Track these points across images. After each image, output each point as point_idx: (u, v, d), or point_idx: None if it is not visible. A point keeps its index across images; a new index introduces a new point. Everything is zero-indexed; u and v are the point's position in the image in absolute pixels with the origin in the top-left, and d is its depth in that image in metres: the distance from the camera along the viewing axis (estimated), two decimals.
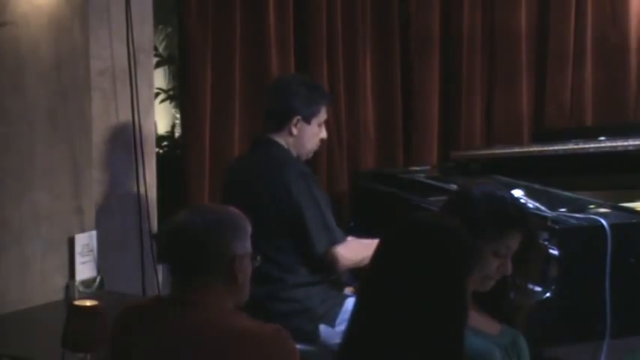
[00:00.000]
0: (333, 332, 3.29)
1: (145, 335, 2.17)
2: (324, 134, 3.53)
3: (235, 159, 3.82)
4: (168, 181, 4.35)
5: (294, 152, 3.46)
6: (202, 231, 2.16)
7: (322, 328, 3.31)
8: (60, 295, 3.61)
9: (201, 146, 4.32)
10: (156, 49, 4.69)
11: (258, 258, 2.26)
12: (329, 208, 3.37)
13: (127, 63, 3.92)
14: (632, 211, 3.46)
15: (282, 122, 3.42)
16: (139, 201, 4.03)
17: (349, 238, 3.47)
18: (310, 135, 3.46)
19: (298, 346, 2.29)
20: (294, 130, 3.42)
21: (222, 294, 2.16)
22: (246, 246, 2.20)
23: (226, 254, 2.15)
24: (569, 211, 3.30)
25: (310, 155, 3.58)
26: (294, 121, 3.41)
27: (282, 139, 3.44)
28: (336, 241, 3.31)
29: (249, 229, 2.23)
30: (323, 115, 3.49)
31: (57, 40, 3.58)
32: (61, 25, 3.60)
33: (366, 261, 3.28)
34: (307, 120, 3.43)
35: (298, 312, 3.27)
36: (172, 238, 2.22)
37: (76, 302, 2.71)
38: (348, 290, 3.51)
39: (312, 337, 3.30)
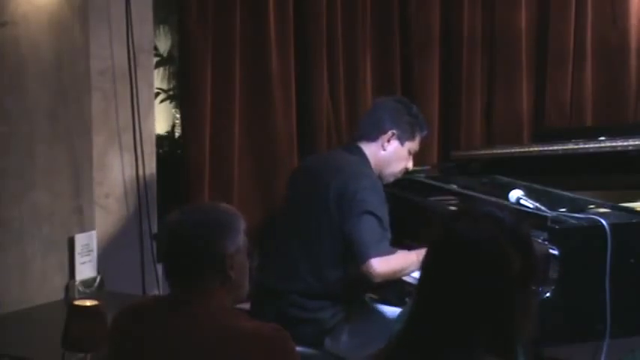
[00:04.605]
0: (337, 344, 3.27)
1: (144, 335, 2.16)
2: (410, 164, 3.47)
3: (314, 155, 3.70)
4: (168, 181, 4.34)
5: (375, 169, 3.38)
6: (191, 232, 2.14)
7: (327, 340, 3.29)
8: (60, 295, 3.61)
9: (201, 146, 4.31)
10: (156, 48, 4.69)
11: (255, 256, 2.25)
12: (386, 226, 3.24)
13: (127, 63, 3.92)
14: (632, 211, 3.45)
15: (377, 133, 3.38)
16: (139, 201, 4.03)
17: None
18: (399, 156, 3.41)
19: (299, 349, 2.29)
20: (387, 145, 3.38)
21: (219, 293, 2.15)
22: (238, 243, 2.17)
23: (217, 253, 2.14)
24: (569, 211, 3.29)
25: (390, 180, 3.48)
26: (389, 134, 3.37)
27: (369, 150, 3.39)
28: (379, 253, 3.15)
29: (240, 225, 2.19)
30: (416, 145, 3.45)
31: (57, 40, 3.58)
32: (61, 25, 3.60)
33: (402, 274, 3.24)
34: (401, 140, 3.39)
35: (306, 320, 3.24)
36: (166, 239, 2.22)
37: (76, 302, 2.71)
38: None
39: (316, 346, 3.28)
